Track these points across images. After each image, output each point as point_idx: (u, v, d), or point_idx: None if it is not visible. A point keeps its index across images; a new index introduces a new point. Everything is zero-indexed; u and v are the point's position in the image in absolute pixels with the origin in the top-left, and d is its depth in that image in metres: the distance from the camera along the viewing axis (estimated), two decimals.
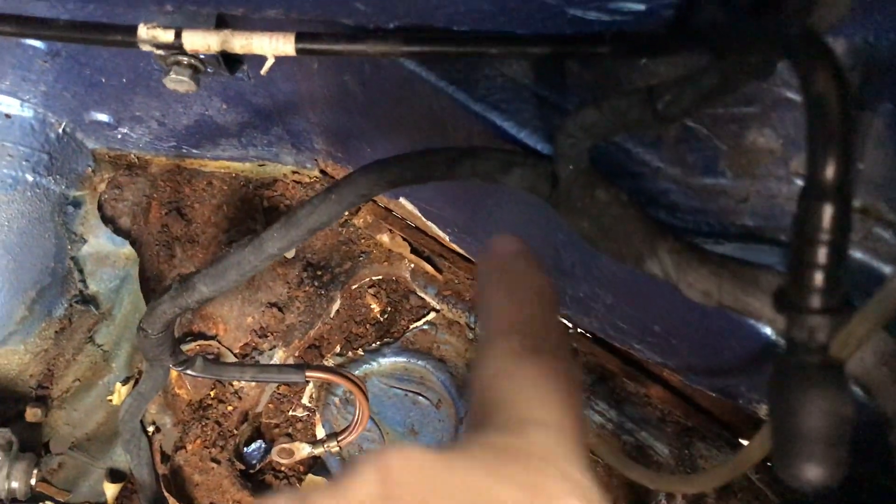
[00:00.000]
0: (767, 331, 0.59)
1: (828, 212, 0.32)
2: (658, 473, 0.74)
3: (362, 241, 0.92)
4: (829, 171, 0.32)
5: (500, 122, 0.58)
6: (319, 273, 0.91)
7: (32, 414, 0.86)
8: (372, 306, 0.92)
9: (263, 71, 0.57)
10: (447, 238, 0.84)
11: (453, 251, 0.88)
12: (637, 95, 0.46)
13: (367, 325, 0.91)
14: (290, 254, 0.92)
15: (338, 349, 0.91)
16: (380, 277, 0.92)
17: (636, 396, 0.85)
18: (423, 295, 0.91)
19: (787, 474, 0.33)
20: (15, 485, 0.81)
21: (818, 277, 0.33)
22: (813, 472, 0.33)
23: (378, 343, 0.90)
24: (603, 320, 0.75)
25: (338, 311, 0.92)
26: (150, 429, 0.85)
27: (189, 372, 0.74)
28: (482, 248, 0.86)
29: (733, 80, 0.42)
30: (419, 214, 0.83)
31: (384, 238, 0.91)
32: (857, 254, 0.55)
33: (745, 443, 0.82)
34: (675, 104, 0.44)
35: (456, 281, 0.90)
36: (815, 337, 0.34)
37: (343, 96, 0.73)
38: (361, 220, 0.91)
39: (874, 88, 0.53)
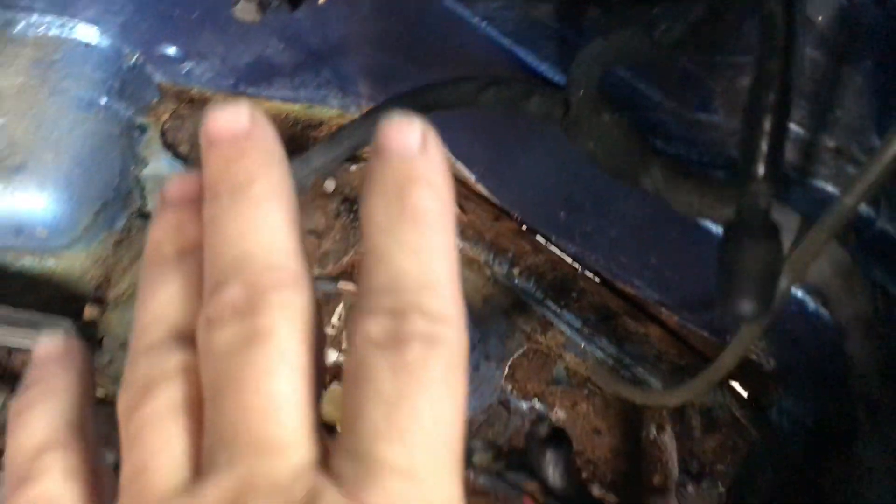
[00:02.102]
0: None
1: (771, 95, 0.40)
2: (643, 390, 0.82)
3: None
4: (774, 64, 0.40)
5: (523, 55, 0.66)
6: (355, 207, 1.00)
7: (90, 312, 0.95)
8: None
9: (321, 0, 0.66)
10: (472, 178, 0.92)
11: (478, 194, 0.96)
12: (639, 26, 0.54)
13: None
14: (330, 188, 1.01)
15: None
16: None
17: (636, 335, 0.93)
18: None
19: (726, 310, 0.41)
20: None
21: (763, 146, 0.41)
22: (746, 307, 0.41)
23: None
24: (608, 256, 0.83)
25: None
26: None
27: None
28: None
29: (720, 12, 0.50)
30: (449, 154, 0.91)
31: None
32: (829, 188, 0.62)
33: (733, 384, 0.89)
34: (668, 33, 0.52)
35: (478, 222, 0.98)
36: (758, 202, 0.41)
37: (388, 39, 0.81)
38: None
39: (858, 47, 0.61)
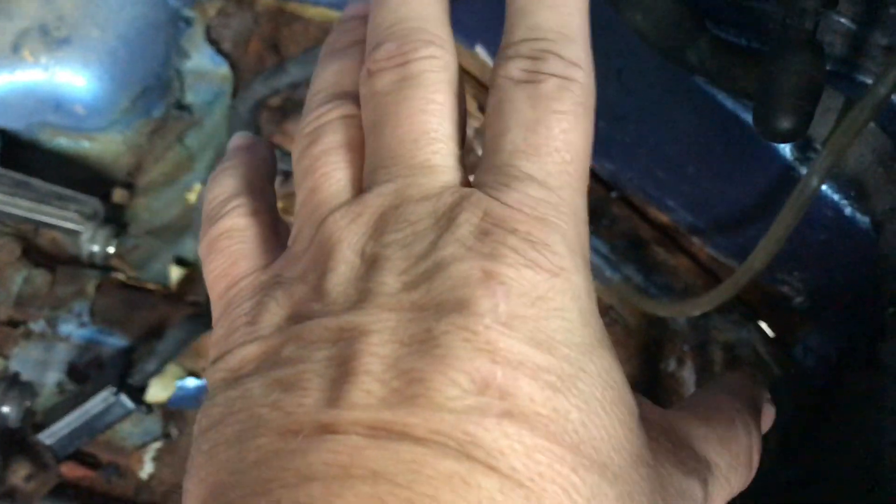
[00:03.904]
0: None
1: None
2: (670, 302, 0.80)
3: None
4: None
5: None
6: None
7: (119, 195, 0.96)
8: None
9: None
10: None
11: None
12: None
13: None
14: None
15: None
16: None
17: (664, 266, 0.91)
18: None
19: (764, 128, 0.40)
20: (95, 248, 0.91)
21: None
22: (785, 123, 0.39)
23: None
24: (644, 171, 0.82)
25: None
26: None
27: None
28: None
29: None
30: (487, 59, 0.90)
31: None
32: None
33: (761, 323, 0.88)
34: None
35: None
36: (803, 20, 0.40)
37: None
38: None
39: None
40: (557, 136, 0.29)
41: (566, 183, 0.29)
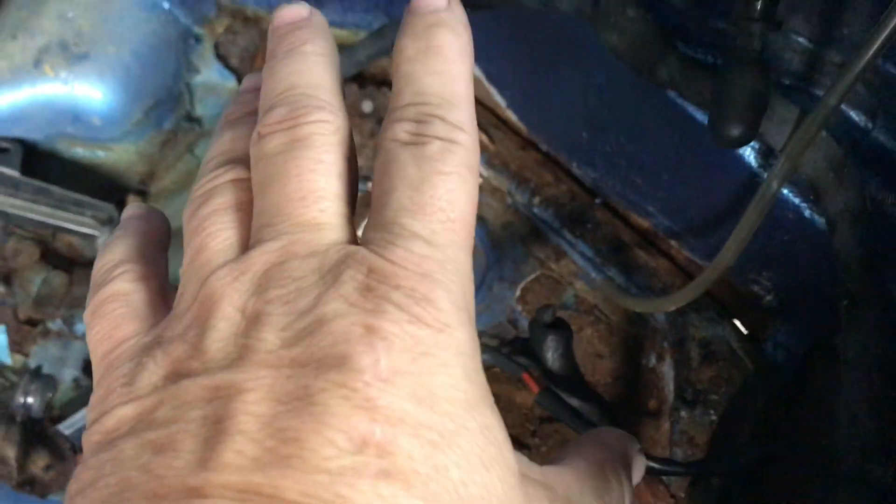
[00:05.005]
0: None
1: None
2: (648, 298, 0.86)
3: None
4: None
5: None
6: None
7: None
8: None
9: None
10: (503, 104, 0.98)
11: (506, 124, 1.01)
12: None
13: None
14: (368, 109, 1.06)
15: None
16: None
17: (645, 268, 0.97)
18: None
19: (716, 135, 0.46)
20: None
21: None
22: (734, 131, 0.45)
23: None
24: (624, 179, 0.88)
25: None
26: None
27: None
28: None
29: None
30: (482, 79, 0.97)
31: None
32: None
33: (735, 322, 0.93)
34: None
35: (504, 152, 1.03)
36: (752, 42, 0.46)
37: None
38: None
39: None
40: (442, 196, 0.29)
41: (451, 241, 0.29)
